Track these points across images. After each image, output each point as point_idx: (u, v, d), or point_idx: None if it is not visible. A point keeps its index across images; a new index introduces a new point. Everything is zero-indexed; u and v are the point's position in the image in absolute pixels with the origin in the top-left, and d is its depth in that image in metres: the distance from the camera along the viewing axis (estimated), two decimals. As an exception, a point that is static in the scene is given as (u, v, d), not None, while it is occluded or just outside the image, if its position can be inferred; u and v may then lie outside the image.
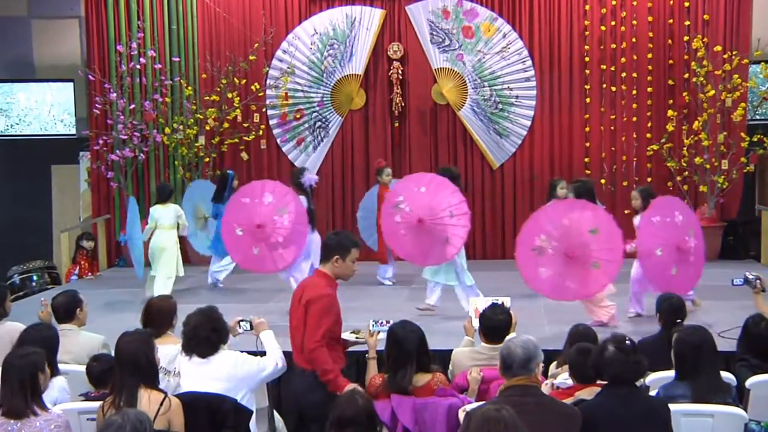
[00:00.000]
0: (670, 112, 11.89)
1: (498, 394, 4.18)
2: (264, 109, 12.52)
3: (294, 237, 8.18)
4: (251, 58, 12.31)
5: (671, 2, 12.05)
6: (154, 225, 9.53)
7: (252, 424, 4.67)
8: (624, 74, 12.12)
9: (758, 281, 6.40)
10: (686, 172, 11.86)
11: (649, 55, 12.06)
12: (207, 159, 12.38)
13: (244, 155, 12.34)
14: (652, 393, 4.61)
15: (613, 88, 12.19)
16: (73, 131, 13.19)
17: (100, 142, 12.27)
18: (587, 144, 12.33)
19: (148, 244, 9.55)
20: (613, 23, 12.17)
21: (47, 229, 13.08)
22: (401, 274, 10.39)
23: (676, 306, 5.65)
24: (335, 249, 5.15)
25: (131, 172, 12.45)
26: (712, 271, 10.60)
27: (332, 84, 12.50)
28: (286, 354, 5.05)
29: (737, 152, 11.70)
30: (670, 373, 4.78)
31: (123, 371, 4.24)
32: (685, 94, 11.93)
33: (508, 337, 4.88)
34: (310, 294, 5.05)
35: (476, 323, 5.49)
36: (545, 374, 5.25)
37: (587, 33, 12.24)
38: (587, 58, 12.25)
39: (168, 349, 4.85)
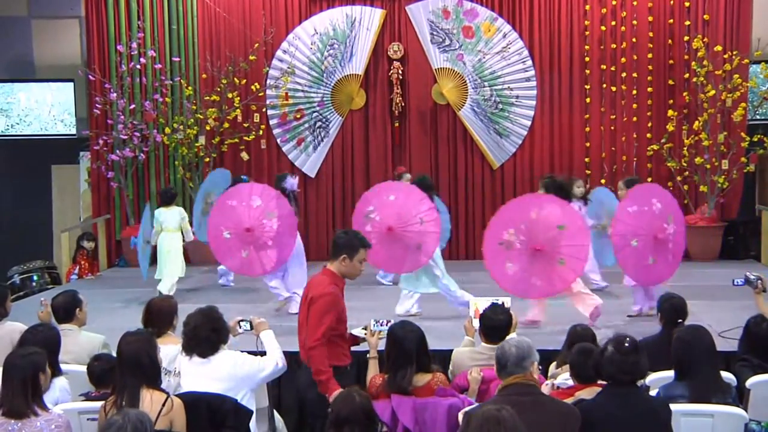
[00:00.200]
0: (670, 112, 11.90)
1: (496, 393, 4.18)
2: (264, 109, 12.52)
3: (282, 240, 8.30)
4: (251, 58, 12.32)
5: (671, 2, 12.05)
6: (159, 228, 9.62)
7: (252, 424, 4.67)
8: (624, 74, 12.12)
9: (759, 281, 6.40)
10: (686, 172, 11.87)
11: (650, 55, 12.06)
12: (207, 159, 12.38)
13: (244, 155, 12.34)
14: (653, 393, 4.61)
15: (614, 88, 12.19)
16: (74, 131, 13.20)
17: (100, 142, 12.28)
18: (587, 144, 12.33)
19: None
20: (613, 23, 12.17)
21: (47, 229, 13.08)
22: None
23: (677, 306, 5.64)
24: (344, 248, 5.15)
25: (131, 172, 12.46)
26: (712, 271, 10.69)
27: (332, 84, 12.50)
28: (288, 353, 5.05)
29: (737, 152, 11.70)
30: (671, 373, 4.78)
31: (125, 371, 4.23)
32: (685, 94, 11.93)
33: (507, 338, 4.89)
34: (314, 292, 5.07)
35: (476, 323, 5.49)
36: (545, 374, 5.27)
37: (587, 33, 12.24)
38: (587, 58, 12.25)
39: (168, 349, 4.85)
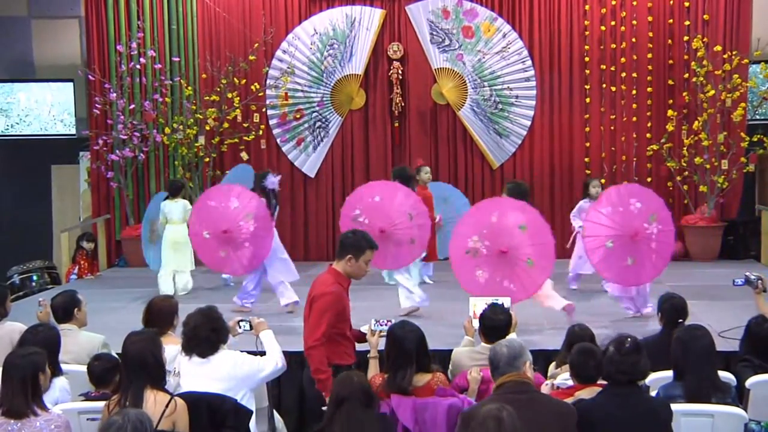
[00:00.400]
0: (670, 112, 11.89)
1: (492, 393, 4.18)
2: (264, 109, 12.51)
3: (258, 241, 8.49)
4: (251, 58, 12.31)
5: (671, 2, 12.04)
6: (164, 219, 9.83)
7: (252, 424, 4.67)
8: (624, 74, 12.11)
9: (759, 281, 6.39)
10: (686, 172, 11.86)
11: (649, 55, 12.06)
12: (207, 159, 12.38)
13: (244, 155, 12.33)
14: (653, 393, 4.61)
15: (613, 88, 12.19)
16: (73, 131, 13.19)
17: (100, 142, 12.27)
18: (587, 144, 12.33)
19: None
20: (613, 23, 12.16)
21: (47, 229, 13.08)
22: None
23: (677, 306, 5.64)
24: (350, 248, 5.17)
25: (131, 172, 12.45)
26: (712, 271, 10.70)
27: (332, 84, 12.50)
28: (288, 353, 5.05)
29: (737, 152, 11.70)
30: (671, 373, 4.77)
31: (129, 371, 4.23)
32: (685, 94, 11.93)
33: (507, 338, 4.89)
34: (316, 291, 5.09)
35: (476, 323, 5.49)
36: (545, 374, 5.27)
37: (587, 33, 12.24)
38: (587, 58, 12.24)
39: (169, 349, 4.84)
